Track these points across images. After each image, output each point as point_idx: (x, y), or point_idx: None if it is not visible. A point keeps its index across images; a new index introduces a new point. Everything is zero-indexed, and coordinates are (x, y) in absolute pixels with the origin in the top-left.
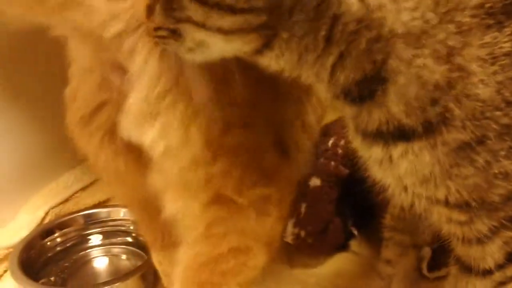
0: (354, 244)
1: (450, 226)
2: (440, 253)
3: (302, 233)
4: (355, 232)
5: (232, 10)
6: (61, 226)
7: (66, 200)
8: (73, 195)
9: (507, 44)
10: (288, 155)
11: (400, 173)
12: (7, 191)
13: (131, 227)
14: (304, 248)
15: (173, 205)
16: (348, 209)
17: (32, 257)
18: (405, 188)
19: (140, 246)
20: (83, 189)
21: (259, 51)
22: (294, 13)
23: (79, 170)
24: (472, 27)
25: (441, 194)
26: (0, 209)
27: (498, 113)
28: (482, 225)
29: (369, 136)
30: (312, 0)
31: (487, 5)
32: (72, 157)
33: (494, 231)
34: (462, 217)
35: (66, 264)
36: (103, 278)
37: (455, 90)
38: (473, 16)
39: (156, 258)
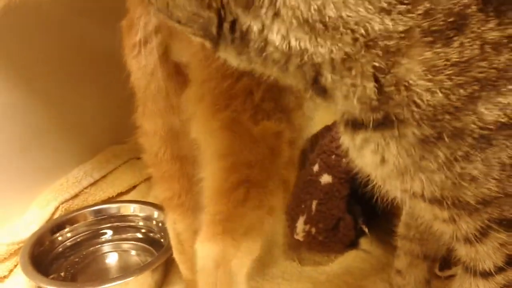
0: (364, 242)
1: (438, 223)
2: (451, 252)
3: (313, 230)
4: (366, 230)
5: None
6: (71, 221)
7: (76, 196)
8: (82, 190)
9: (455, 55)
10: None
11: (367, 162)
12: (18, 186)
13: (141, 223)
14: (315, 245)
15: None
16: (359, 206)
17: (42, 252)
18: (383, 180)
19: (150, 242)
20: (93, 184)
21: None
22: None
23: (89, 165)
24: (404, 47)
25: (417, 187)
26: (10, 204)
27: (449, 117)
28: (466, 225)
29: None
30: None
31: (425, 25)
32: (82, 152)
33: (483, 232)
34: (445, 214)
35: (76, 259)
36: (113, 273)
37: (394, 101)
38: (401, 39)
39: (171, 217)
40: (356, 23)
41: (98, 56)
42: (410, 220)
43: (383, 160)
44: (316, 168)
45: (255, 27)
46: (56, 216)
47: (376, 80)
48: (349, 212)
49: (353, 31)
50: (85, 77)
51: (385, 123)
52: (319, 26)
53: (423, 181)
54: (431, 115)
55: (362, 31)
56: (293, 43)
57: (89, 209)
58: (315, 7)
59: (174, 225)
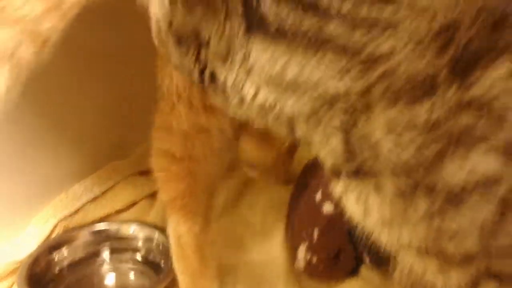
0: (365, 270)
1: (427, 275)
2: None
3: (314, 259)
4: (367, 259)
5: None
6: (69, 240)
7: (75, 212)
8: (82, 206)
9: (420, 115)
10: None
11: (353, 210)
12: (18, 204)
13: (141, 244)
14: (315, 274)
15: None
16: (360, 235)
17: (39, 272)
18: (371, 230)
19: (149, 264)
20: (93, 200)
21: None
22: None
23: (89, 180)
24: (365, 106)
25: (403, 239)
26: (9, 221)
27: (419, 173)
28: (456, 277)
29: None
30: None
31: (386, 85)
32: (82, 167)
33: (473, 285)
34: (434, 267)
35: (73, 280)
36: None
37: (363, 155)
38: (361, 97)
39: (174, 218)
40: (316, 83)
41: (98, 72)
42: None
43: (367, 211)
44: (318, 196)
45: (231, 81)
46: (54, 233)
47: (343, 135)
48: (350, 241)
49: (314, 89)
50: (86, 91)
51: (361, 174)
52: (284, 84)
53: (409, 233)
54: (402, 169)
55: (322, 90)
56: (264, 99)
57: (87, 228)
58: (279, 67)
59: (176, 227)
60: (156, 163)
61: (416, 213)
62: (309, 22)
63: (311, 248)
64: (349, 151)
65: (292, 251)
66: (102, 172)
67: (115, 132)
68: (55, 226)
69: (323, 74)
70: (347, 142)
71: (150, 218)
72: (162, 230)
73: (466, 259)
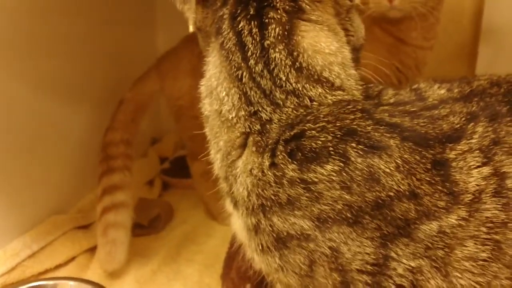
0: None
1: None
2: None
3: None
4: None
5: None
6: None
7: (13, 269)
8: (20, 262)
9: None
10: None
11: None
12: None
13: None
14: None
15: None
16: None
17: None
18: None
19: None
20: (31, 256)
21: None
22: None
23: (28, 236)
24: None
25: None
26: None
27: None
28: None
29: None
30: None
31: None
32: (21, 223)
33: None
34: None
35: None
36: None
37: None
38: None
39: None
40: None
41: (36, 131)
42: None
43: None
44: None
45: None
46: None
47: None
48: None
49: None
50: (25, 145)
51: None
52: None
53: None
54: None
55: None
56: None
57: (25, 286)
58: None
59: None
60: None
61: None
62: None
63: None
64: None
65: None
66: (42, 227)
67: (55, 186)
68: None
69: None
70: None
71: (89, 273)
72: (101, 286)
73: None
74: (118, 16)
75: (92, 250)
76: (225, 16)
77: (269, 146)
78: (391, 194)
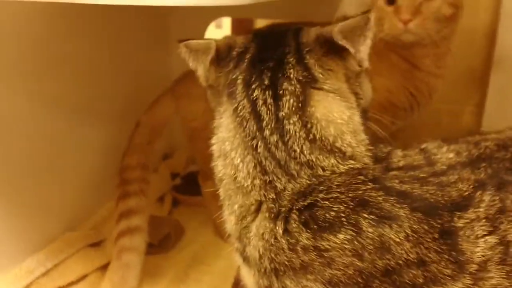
0: None
1: None
2: None
3: None
4: None
5: None
6: None
7: (28, 286)
8: (34, 280)
9: None
10: None
11: None
12: None
13: None
14: None
15: None
16: None
17: None
18: None
19: None
20: (45, 274)
21: None
22: None
23: (42, 254)
24: None
25: None
26: None
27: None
28: None
29: None
30: None
31: None
32: (35, 240)
33: None
34: None
35: None
36: None
37: None
38: None
39: None
40: None
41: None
42: None
43: None
44: None
45: None
46: None
47: None
48: None
49: None
50: (37, 165)
51: None
52: None
53: None
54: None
55: None
56: None
57: None
58: None
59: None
60: None
61: None
62: None
63: None
64: None
65: None
66: (55, 245)
67: (68, 204)
68: None
69: None
70: None
71: None
72: None
73: None
74: (133, 38)
75: (103, 268)
76: (238, 81)
77: (282, 214)
78: (401, 262)
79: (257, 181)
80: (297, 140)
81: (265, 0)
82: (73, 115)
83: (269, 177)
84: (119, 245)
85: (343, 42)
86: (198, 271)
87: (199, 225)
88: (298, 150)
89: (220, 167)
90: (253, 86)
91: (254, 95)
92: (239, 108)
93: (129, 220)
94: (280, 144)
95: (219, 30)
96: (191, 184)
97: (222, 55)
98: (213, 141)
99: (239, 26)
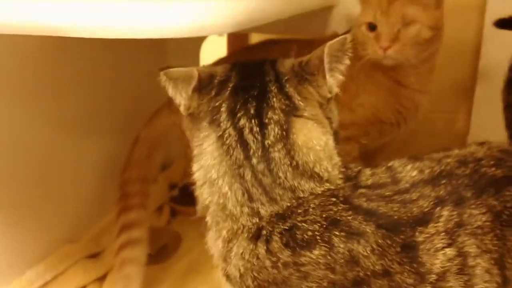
0: None
1: None
2: None
3: None
4: None
5: None
6: None
7: None
8: None
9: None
10: None
11: None
12: None
13: None
14: None
15: None
16: None
17: None
18: None
19: None
20: (44, 285)
21: None
22: None
23: (42, 266)
24: None
25: None
26: None
27: None
28: None
29: None
30: None
31: None
32: (35, 252)
33: None
34: None
35: None
36: None
37: None
38: None
39: None
40: None
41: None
42: None
43: None
44: None
45: None
46: None
47: None
48: None
49: None
50: (37, 177)
51: None
52: None
53: None
54: None
55: None
56: None
57: None
58: None
59: None
60: None
61: None
62: None
63: None
64: None
65: None
66: (54, 257)
67: (67, 216)
68: None
69: None
70: None
71: None
72: None
73: None
74: (131, 53)
75: (102, 279)
76: (222, 109)
77: (264, 236)
78: (368, 273)
79: (245, 209)
80: (282, 167)
81: (244, 28)
82: (73, 128)
83: (255, 204)
84: (121, 257)
85: (315, 74)
86: (195, 280)
87: (197, 235)
88: (283, 177)
89: (206, 195)
90: (239, 115)
91: (241, 124)
92: (225, 136)
93: (130, 232)
94: (266, 171)
95: (220, 37)
96: (189, 195)
97: (204, 83)
98: (194, 168)
99: (235, 40)
